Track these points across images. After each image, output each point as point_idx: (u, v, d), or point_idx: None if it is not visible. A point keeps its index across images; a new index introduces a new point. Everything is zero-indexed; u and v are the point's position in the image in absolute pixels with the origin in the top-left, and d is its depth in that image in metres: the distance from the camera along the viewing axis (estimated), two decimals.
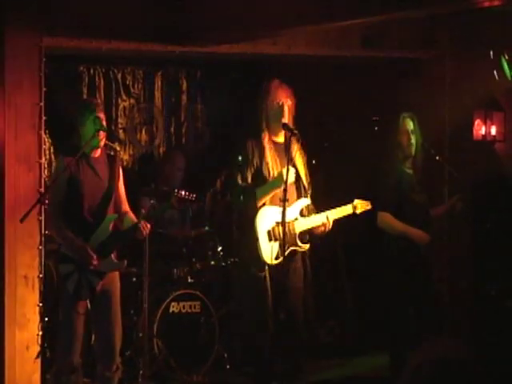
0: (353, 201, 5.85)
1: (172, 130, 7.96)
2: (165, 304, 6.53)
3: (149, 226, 5.37)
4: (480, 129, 7.01)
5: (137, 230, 5.36)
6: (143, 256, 6.18)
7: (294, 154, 5.73)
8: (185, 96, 7.98)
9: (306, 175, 5.85)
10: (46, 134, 6.28)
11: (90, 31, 6.04)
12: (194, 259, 6.90)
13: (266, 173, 5.70)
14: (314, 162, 6.13)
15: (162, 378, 6.47)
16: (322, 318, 7.46)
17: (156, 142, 7.87)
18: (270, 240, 5.63)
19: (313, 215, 5.78)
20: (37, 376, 5.78)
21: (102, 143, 5.36)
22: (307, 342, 6.28)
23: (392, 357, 6.03)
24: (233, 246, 6.57)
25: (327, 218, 5.74)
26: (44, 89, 5.82)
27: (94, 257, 5.22)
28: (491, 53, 6.68)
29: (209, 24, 6.15)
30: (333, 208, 5.81)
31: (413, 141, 6.03)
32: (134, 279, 6.59)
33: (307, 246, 5.79)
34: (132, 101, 7.72)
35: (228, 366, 6.82)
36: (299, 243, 5.73)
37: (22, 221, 5.20)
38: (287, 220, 5.51)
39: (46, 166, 6.60)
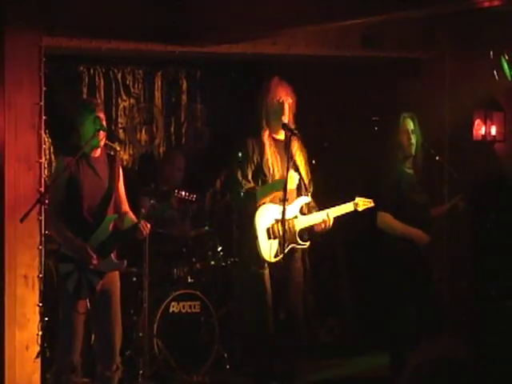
0: (354, 198, 5.86)
1: (172, 129, 7.96)
2: (165, 304, 6.53)
3: (149, 225, 5.37)
4: (480, 129, 7.01)
5: (137, 230, 5.36)
6: (143, 256, 6.18)
7: (294, 152, 5.73)
8: (185, 96, 7.98)
9: (306, 173, 5.85)
10: (45, 133, 6.29)
11: (90, 31, 6.04)
12: (193, 259, 6.90)
13: (266, 169, 5.71)
14: (313, 161, 6.13)
15: (162, 378, 6.47)
16: (322, 316, 7.46)
17: (156, 142, 7.87)
18: (269, 238, 5.64)
19: (313, 213, 5.78)
20: (37, 376, 5.79)
21: (102, 143, 5.36)
22: (307, 341, 6.29)
23: (392, 357, 6.03)
24: (233, 246, 6.58)
25: (327, 215, 5.74)
26: (44, 88, 5.82)
27: (94, 256, 5.22)
28: (491, 53, 6.68)
29: (209, 24, 6.15)
30: (333, 207, 5.82)
31: (413, 141, 6.03)
32: (134, 279, 6.59)
33: (307, 243, 5.79)
34: (132, 101, 7.72)
35: (228, 366, 6.82)
36: (299, 241, 5.73)
37: (21, 221, 5.20)
38: (287, 218, 5.51)
39: (45, 165, 6.60)
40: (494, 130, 7.01)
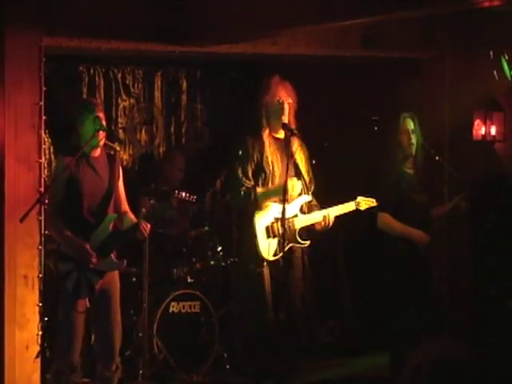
0: (355, 198, 5.85)
1: (172, 129, 7.96)
2: (165, 304, 6.52)
3: (149, 225, 5.37)
4: (480, 129, 7.01)
5: (137, 230, 5.36)
6: (143, 256, 6.18)
7: (294, 150, 5.73)
8: (185, 96, 7.98)
9: (307, 171, 5.84)
10: (45, 133, 6.29)
11: (90, 31, 6.04)
12: (193, 259, 6.89)
13: (266, 168, 5.71)
14: (313, 161, 6.13)
15: (162, 378, 6.47)
16: (322, 316, 7.46)
17: (156, 142, 7.87)
18: (269, 236, 5.64)
19: (314, 211, 5.78)
20: (36, 376, 5.79)
21: (102, 143, 5.36)
22: (307, 341, 6.29)
23: (392, 357, 6.03)
24: (232, 246, 6.57)
25: (328, 214, 5.74)
26: (44, 88, 5.82)
27: (94, 255, 5.22)
28: (491, 53, 6.68)
29: (209, 24, 6.15)
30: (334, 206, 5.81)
31: (413, 141, 6.03)
32: (134, 279, 6.59)
33: (307, 242, 5.79)
34: (132, 101, 7.72)
35: (228, 366, 6.82)
36: (299, 240, 5.73)
37: (21, 220, 5.20)
38: (287, 216, 5.51)
39: (45, 165, 6.60)
40: (493, 130, 7.02)
